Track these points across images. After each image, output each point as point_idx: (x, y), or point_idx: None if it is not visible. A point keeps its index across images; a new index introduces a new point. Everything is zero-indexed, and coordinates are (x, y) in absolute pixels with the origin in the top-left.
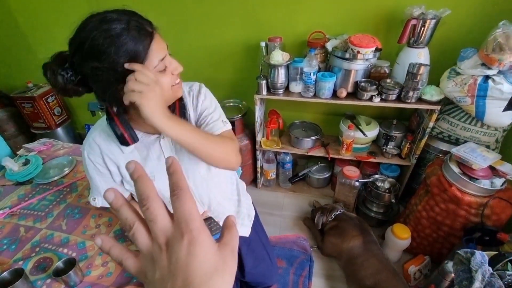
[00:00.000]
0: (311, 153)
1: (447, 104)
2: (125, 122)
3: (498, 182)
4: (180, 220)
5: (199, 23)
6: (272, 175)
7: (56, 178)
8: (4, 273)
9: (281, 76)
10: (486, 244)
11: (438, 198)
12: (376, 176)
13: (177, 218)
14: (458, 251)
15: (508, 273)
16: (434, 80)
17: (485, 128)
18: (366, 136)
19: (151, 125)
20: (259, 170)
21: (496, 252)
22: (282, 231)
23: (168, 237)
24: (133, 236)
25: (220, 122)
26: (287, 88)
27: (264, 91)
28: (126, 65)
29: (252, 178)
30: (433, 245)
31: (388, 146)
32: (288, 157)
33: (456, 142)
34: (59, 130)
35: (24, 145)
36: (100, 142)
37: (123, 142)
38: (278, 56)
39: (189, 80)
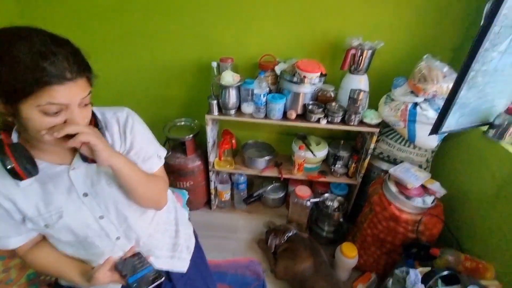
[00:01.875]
0: (264, 174)
1: (386, 127)
2: (21, 151)
3: (429, 200)
4: None
5: (149, 39)
6: (226, 196)
7: None
8: None
9: (232, 97)
10: (423, 259)
11: (380, 216)
12: (326, 195)
13: None
14: (396, 271)
15: None
16: (374, 104)
17: (417, 150)
18: (316, 156)
19: (59, 155)
20: (212, 191)
21: (429, 269)
22: (236, 255)
23: None
24: None
25: (155, 158)
26: (239, 109)
27: (216, 111)
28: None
29: (206, 200)
30: (378, 262)
31: (336, 166)
32: (243, 178)
33: (395, 162)
34: None
35: None
36: None
37: (15, 176)
38: (229, 77)
39: (138, 99)
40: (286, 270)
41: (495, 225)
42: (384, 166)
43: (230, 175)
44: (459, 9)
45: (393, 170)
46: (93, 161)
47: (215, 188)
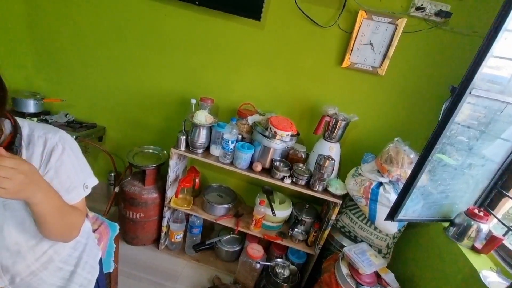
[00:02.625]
0: (220, 222)
1: (351, 200)
2: None
3: None
4: None
5: (140, 66)
6: (177, 237)
7: None
8: None
9: (201, 137)
10: None
11: None
12: (279, 260)
13: None
14: None
15: None
16: (343, 174)
17: (378, 232)
18: (275, 215)
19: None
20: (163, 229)
21: None
22: None
23: None
24: None
25: (80, 188)
26: (207, 149)
27: (183, 147)
28: None
29: (155, 237)
30: None
31: (296, 230)
32: (198, 221)
33: (355, 240)
34: None
35: None
36: None
37: None
38: (202, 117)
39: (116, 117)
40: None
41: None
42: (345, 241)
43: (187, 215)
44: (432, 100)
45: (348, 249)
46: None
47: (168, 226)
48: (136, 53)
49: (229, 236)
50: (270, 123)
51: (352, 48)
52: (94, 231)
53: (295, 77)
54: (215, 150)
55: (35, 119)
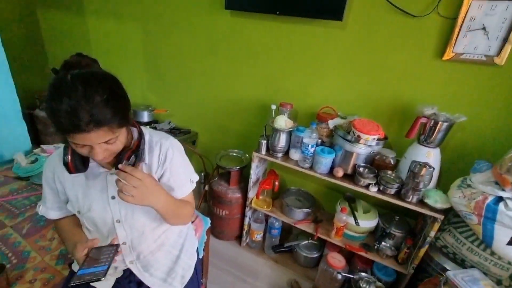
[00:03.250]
0: (298, 226)
1: (456, 216)
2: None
3: None
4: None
5: (226, 76)
6: (258, 236)
7: None
8: None
9: (281, 141)
10: None
11: None
12: (363, 274)
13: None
14: None
15: None
16: (445, 185)
17: (496, 258)
18: (358, 224)
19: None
20: (245, 227)
21: None
22: None
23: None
24: None
25: (188, 184)
26: (287, 153)
27: (264, 151)
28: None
29: (238, 234)
30: None
31: (383, 244)
32: (278, 223)
33: (462, 264)
34: None
35: (42, 145)
36: (56, 160)
37: (67, 169)
38: (282, 122)
39: (205, 124)
40: None
41: None
42: (447, 264)
43: (267, 216)
44: None
45: (454, 274)
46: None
47: (249, 225)
48: (223, 65)
49: (307, 242)
50: (353, 127)
51: (457, 36)
52: (191, 223)
53: (383, 76)
54: (295, 154)
55: (147, 126)
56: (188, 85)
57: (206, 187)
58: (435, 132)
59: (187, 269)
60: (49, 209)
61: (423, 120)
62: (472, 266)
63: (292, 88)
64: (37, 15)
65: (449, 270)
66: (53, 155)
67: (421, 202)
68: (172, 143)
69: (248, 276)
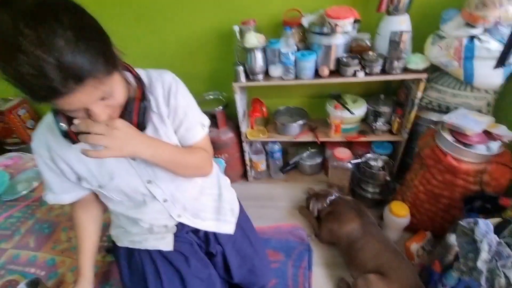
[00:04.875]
0: (299, 139)
1: (434, 72)
2: None
3: (494, 146)
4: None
5: (169, 13)
6: (262, 166)
7: (24, 192)
8: None
9: (258, 60)
10: (488, 212)
11: (434, 170)
12: (368, 155)
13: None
14: (460, 222)
15: None
16: (417, 48)
17: (475, 92)
18: (354, 114)
19: None
20: (248, 162)
21: (501, 219)
22: (277, 222)
23: None
24: None
25: (199, 127)
26: (267, 73)
27: (243, 78)
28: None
29: (242, 172)
30: (433, 220)
31: (378, 123)
32: (277, 146)
33: (447, 111)
34: None
35: None
36: (46, 134)
37: (69, 139)
38: (253, 39)
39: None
40: (331, 233)
41: None
42: (434, 116)
43: (264, 145)
44: None
45: (448, 117)
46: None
47: (250, 159)
48: (161, 1)
49: (308, 152)
50: (328, 17)
51: None
52: None
53: None
54: (276, 71)
55: None
56: (127, 39)
57: None
58: None
59: (232, 202)
60: (59, 194)
61: None
62: (455, 108)
63: (248, 2)
64: None
65: (436, 121)
66: (40, 129)
67: (405, 70)
68: (175, 77)
69: (267, 202)
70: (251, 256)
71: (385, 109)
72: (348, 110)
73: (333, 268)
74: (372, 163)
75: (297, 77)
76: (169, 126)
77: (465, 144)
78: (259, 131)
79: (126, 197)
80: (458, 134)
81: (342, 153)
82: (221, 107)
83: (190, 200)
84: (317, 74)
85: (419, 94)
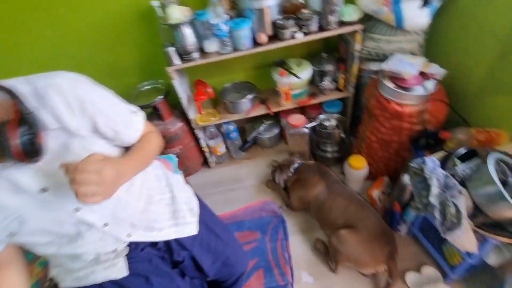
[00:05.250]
0: (252, 114)
1: (368, 21)
2: None
3: (430, 85)
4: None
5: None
6: (221, 150)
7: None
8: None
9: (188, 37)
10: (433, 147)
11: (381, 119)
12: (321, 116)
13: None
14: (410, 163)
15: (458, 168)
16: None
17: (407, 36)
18: (300, 78)
19: None
20: (205, 149)
21: (444, 153)
22: (248, 202)
23: None
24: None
25: (133, 117)
26: (203, 51)
27: (177, 60)
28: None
29: (202, 159)
30: (388, 165)
31: (324, 83)
32: (232, 126)
33: (385, 59)
34: None
35: None
36: None
37: None
38: (177, 13)
39: (87, 73)
40: (300, 200)
41: (503, 87)
42: (375, 66)
43: (218, 127)
44: None
45: (385, 64)
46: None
47: (207, 145)
48: None
49: (264, 125)
50: None
51: None
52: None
53: None
54: (210, 46)
55: None
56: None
57: None
58: None
59: (190, 200)
60: None
61: None
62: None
63: None
64: None
65: (377, 70)
66: None
67: (341, 24)
68: (73, 76)
69: (234, 184)
70: (222, 249)
71: (329, 67)
72: (294, 75)
73: (308, 232)
74: (326, 123)
75: (235, 49)
76: (86, 136)
77: (405, 89)
78: (209, 114)
79: (54, 236)
80: (397, 79)
81: (297, 119)
82: (161, 97)
83: (137, 214)
84: (255, 43)
85: (358, 46)
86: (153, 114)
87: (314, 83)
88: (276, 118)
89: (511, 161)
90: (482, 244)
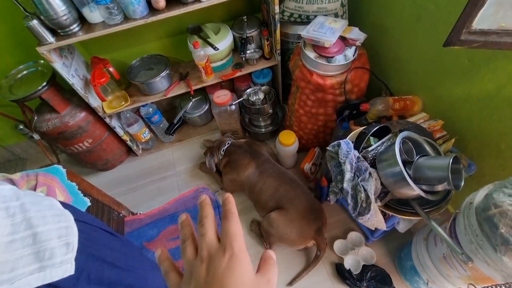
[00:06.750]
0: (171, 94)
1: None
2: None
3: (350, 53)
4: (226, 238)
5: None
6: (145, 135)
7: None
8: None
9: (54, 4)
10: (356, 118)
11: (306, 91)
12: (248, 90)
13: (224, 235)
14: (328, 148)
15: (369, 149)
16: None
17: None
18: (218, 49)
19: None
20: (126, 138)
21: (361, 129)
22: (182, 190)
23: (211, 251)
24: (183, 249)
25: None
26: (83, 20)
27: (49, 37)
28: None
29: (126, 148)
30: (317, 137)
31: (248, 51)
32: (151, 109)
33: (308, 21)
34: None
35: None
36: None
37: None
38: None
39: None
40: (233, 183)
41: (418, 52)
42: (300, 30)
43: (137, 112)
44: None
45: (306, 31)
46: None
47: (127, 133)
48: None
49: (191, 102)
50: None
51: None
52: (35, 188)
53: None
54: (93, 15)
55: None
56: None
57: (37, 136)
58: None
59: (65, 233)
60: None
61: None
62: (315, 17)
63: None
64: None
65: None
66: None
67: None
68: None
69: (165, 172)
70: (119, 279)
71: (252, 32)
72: (211, 45)
73: (245, 213)
74: (254, 98)
75: (126, 18)
76: None
77: (327, 59)
78: (118, 98)
79: None
80: (319, 48)
81: (222, 97)
82: (45, 85)
83: None
84: (152, 8)
85: (277, 8)
86: (43, 106)
87: (238, 52)
88: (204, 92)
89: (419, 139)
90: (390, 219)
